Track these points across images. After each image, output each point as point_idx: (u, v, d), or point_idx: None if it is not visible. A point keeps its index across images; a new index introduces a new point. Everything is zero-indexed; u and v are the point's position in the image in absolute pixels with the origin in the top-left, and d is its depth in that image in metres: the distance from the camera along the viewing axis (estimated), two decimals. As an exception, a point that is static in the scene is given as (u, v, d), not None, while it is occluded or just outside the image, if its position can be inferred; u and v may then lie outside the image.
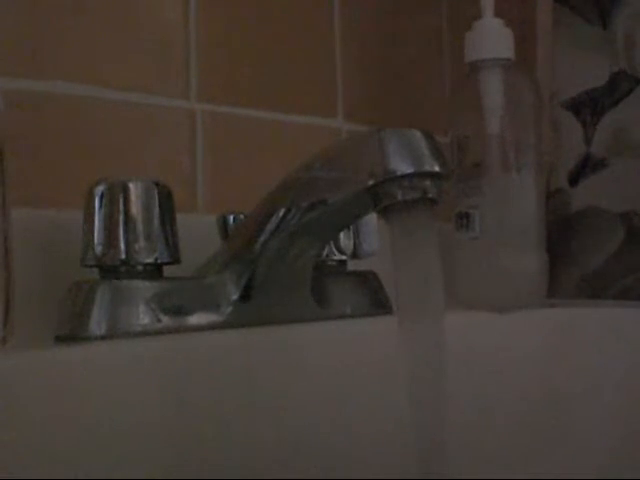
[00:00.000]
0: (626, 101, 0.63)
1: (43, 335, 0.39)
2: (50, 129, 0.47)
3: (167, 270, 0.41)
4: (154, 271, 0.40)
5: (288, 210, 0.38)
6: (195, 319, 0.40)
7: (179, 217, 0.41)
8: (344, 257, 0.48)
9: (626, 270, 0.63)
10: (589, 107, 0.66)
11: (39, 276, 0.44)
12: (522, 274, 0.53)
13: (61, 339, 0.38)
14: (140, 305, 0.38)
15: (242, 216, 0.45)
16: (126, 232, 0.39)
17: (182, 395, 0.36)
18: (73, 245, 0.41)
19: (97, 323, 0.37)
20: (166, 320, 0.39)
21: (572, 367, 0.50)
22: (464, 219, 0.53)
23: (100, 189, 0.39)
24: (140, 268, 0.39)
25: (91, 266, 0.39)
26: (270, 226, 0.39)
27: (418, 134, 0.35)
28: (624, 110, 0.63)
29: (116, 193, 0.39)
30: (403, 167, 0.34)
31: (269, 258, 0.40)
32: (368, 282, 0.48)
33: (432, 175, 0.35)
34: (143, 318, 0.38)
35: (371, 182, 0.35)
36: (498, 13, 0.54)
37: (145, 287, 0.39)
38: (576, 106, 0.66)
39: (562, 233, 0.66)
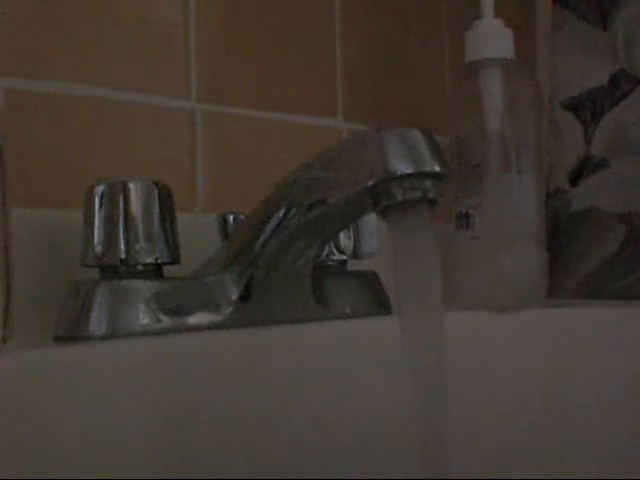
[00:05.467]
0: (626, 101, 0.63)
1: (43, 335, 0.39)
2: (50, 129, 0.47)
3: (167, 270, 0.41)
4: (154, 271, 0.40)
5: (288, 210, 0.38)
6: (195, 319, 0.40)
7: (179, 217, 0.41)
8: (344, 257, 0.48)
9: (626, 270, 0.63)
10: (589, 107, 0.65)
11: (39, 276, 0.44)
12: (522, 274, 0.53)
13: (61, 339, 0.38)
14: (140, 305, 0.38)
15: (242, 216, 0.45)
16: (126, 232, 0.39)
17: (182, 395, 0.36)
18: (73, 245, 0.41)
19: (97, 323, 0.37)
20: (166, 320, 0.39)
21: (572, 367, 0.50)
22: (464, 219, 0.53)
23: (100, 189, 0.39)
24: (140, 268, 0.39)
25: (91, 266, 0.39)
26: (270, 226, 0.39)
27: (418, 134, 0.35)
28: (624, 110, 0.63)
29: (116, 193, 0.39)
30: (403, 167, 0.34)
31: (269, 258, 0.40)
32: (368, 282, 0.48)
33: (432, 175, 0.35)
34: (143, 318, 0.38)
35: (371, 182, 0.35)
36: (498, 13, 0.54)
37: (145, 287, 0.39)
38: (576, 106, 0.66)
39: (562, 233, 0.66)
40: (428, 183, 0.35)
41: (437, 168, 0.35)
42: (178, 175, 0.52)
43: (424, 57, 0.67)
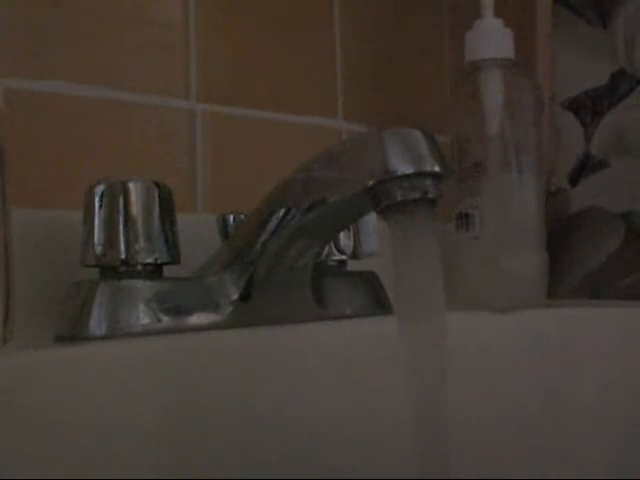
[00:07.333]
0: (626, 101, 0.63)
1: (43, 335, 0.39)
2: (50, 129, 0.47)
3: (167, 270, 0.41)
4: (154, 271, 0.40)
5: (288, 210, 0.38)
6: (195, 319, 0.40)
7: (179, 217, 0.41)
8: (344, 257, 0.48)
9: (626, 270, 0.63)
10: (589, 107, 0.65)
11: (39, 276, 0.44)
12: (522, 274, 0.53)
13: (61, 339, 0.38)
14: (140, 305, 0.38)
15: (242, 216, 0.45)
16: (126, 232, 0.39)
17: (182, 395, 0.36)
18: (73, 245, 0.41)
19: (97, 323, 0.37)
20: (166, 320, 0.39)
21: (572, 367, 0.50)
22: (464, 219, 0.53)
23: (100, 189, 0.39)
24: (140, 268, 0.39)
25: (91, 266, 0.39)
26: (270, 226, 0.39)
27: (418, 134, 0.35)
28: (624, 110, 0.63)
29: (116, 193, 0.39)
30: (403, 167, 0.34)
31: (269, 258, 0.40)
32: (368, 282, 0.48)
33: (432, 175, 0.35)
34: (143, 318, 0.38)
35: (371, 182, 0.35)
36: (498, 13, 0.54)
37: (145, 287, 0.39)
38: (576, 106, 0.66)
39: (562, 233, 0.66)
40: (428, 183, 0.35)
41: (437, 168, 0.35)
42: (178, 175, 0.52)
43: (424, 57, 0.67)
